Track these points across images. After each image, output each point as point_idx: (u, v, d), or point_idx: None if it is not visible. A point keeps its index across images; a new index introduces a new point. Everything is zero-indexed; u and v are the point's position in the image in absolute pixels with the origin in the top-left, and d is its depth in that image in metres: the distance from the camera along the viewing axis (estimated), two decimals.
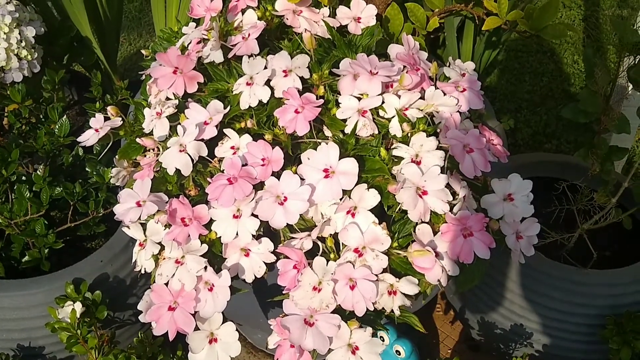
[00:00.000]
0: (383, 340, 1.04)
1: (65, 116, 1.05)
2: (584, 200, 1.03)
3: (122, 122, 0.87)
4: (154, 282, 0.72)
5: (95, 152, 1.14)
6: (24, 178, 1.06)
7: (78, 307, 0.89)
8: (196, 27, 0.88)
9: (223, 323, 0.72)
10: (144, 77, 0.95)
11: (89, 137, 0.86)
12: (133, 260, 0.75)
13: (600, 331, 1.03)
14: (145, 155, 0.83)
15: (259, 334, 1.20)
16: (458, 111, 0.79)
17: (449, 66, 0.87)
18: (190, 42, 0.87)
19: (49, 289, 0.99)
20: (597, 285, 1.04)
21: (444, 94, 0.79)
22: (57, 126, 1.04)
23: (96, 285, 1.00)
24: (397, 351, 1.02)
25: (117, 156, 0.84)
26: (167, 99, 0.84)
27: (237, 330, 0.72)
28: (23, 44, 1.12)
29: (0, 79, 1.11)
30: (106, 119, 0.87)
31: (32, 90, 1.14)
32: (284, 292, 0.70)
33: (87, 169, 1.11)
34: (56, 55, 1.28)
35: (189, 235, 0.70)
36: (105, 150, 0.95)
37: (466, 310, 1.19)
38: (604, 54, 2.23)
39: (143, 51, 1.03)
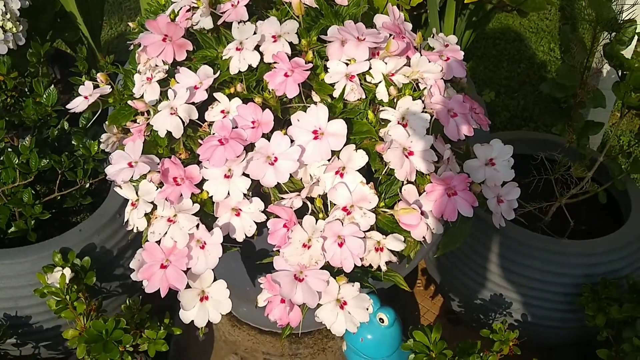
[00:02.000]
0: (367, 309, 1.06)
1: (52, 86, 1.05)
2: (562, 170, 1.06)
3: (111, 89, 0.88)
4: (146, 241, 0.74)
5: (81, 125, 1.14)
6: (9, 150, 1.06)
7: (67, 272, 0.90)
8: None
9: (214, 281, 0.73)
10: (132, 47, 0.96)
11: (78, 104, 0.87)
12: (125, 220, 0.76)
13: (577, 299, 1.06)
14: (135, 122, 0.84)
15: (244, 307, 1.21)
16: (442, 78, 0.82)
17: (432, 37, 0.90)
18: (179, 10, 0.88)
19: (36, 258, 1.00)
20: (573, 254, 1.08)
21: (429, 61, 0.81)
22: (44, 96, 1.04)
23: (83, 255, 1.01)
24: (380, 319, 1.04)
25: (106, 122, 0.85)
26: (156, 66, 0.85)
27: (227, 288, 0.73)
28: (8, 16, 1.12)
29: None
30: (95, 87, 0.88)
31: (17, 63, 1.14)
32: (274, 249, 0.72)
33: (73, 142, 1.12)
34: (40, 30, 1.28)
35: (181, 195, 0.72)
36: (93, 120, 0.96)
37: (447, 282, 1.22)
38: (580, 31, 2.28)
39: (130, 23, 1.03)
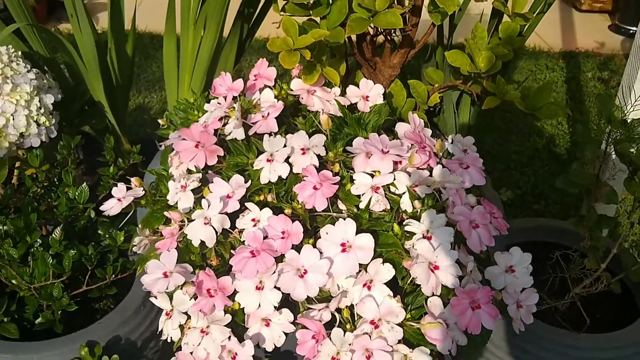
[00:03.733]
0: None
1: (84, 183, 1.09)
2: (577, 268, 1.08)
3: (144, 192, 0.92)
4: (178, 349, 0.76)
5: (108, 216, 1.17)
6: (39, 240, 1.09)
7: None
8: (218, 104, 0.93)
9: None
10: (163, 146, 1.00)
11: (112, 206, 0.91)
12: (159, 329, 0.79)
13: None
14: (167, 225, 0.87)
15: None
16: (462, 187, 0.85)
17: (451, 142, 0.94)
18: (210, 119, 0.92)
19: (63, 352, 1.01)
20: (590, 349, 1.09)
21: (449, 172, 0.85)
22: (76, 192, 1.08)
23: (108, 348, 1.03)
24: None
25: (139, 226, 0.88)
26: (189, 170, 0.89)
27: None
28: (42, 110, 1.17)
29: (19, 144, 1.16)
30: (127, 188, 0.92)
31: (47, 154, 1.18)
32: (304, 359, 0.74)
33: (99, 232, 1.15)
34: (69, 119, 1.33)
35: (214, 306, 0.74)
36: (127, 219, 1.00)
37: None
38: (586, 117, 2.34)
39: (160, 120, 1.08)
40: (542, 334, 1.10)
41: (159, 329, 0.79)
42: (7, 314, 1.07)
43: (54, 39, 1.29)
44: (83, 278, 1.11)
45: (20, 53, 1.21)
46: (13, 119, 1.14)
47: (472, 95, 1.08)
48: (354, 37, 1.10)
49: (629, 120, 1.11)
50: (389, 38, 1.07)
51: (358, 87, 0.98)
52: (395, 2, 0.96)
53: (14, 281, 1.06)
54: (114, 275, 1.07)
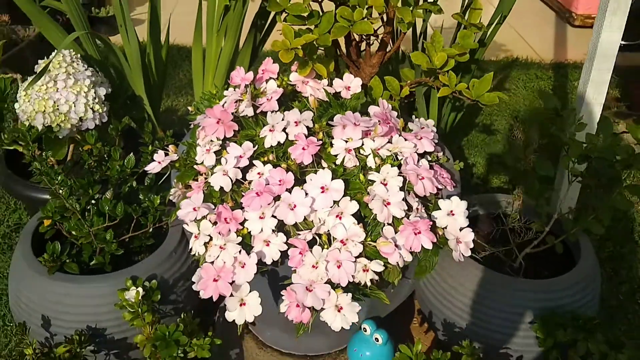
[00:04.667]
0: (366, 331, 1.34)
1: (131, 153, 1.40)
2: (514, 222, 1.36)
3: (178, 157, 1.22)
4: (203, 263, 1.05)
5: (147, 184, 1.48)
6: (93, 201, 1.40)
7: (140, 290, 1.21)
8: (234, 91, 1.23)
9: (250, 292, 1.04)
10: (192, 126, 1.30)
11: (154, 167, 1.21)
12: (189, 247, 1.08)
13: (532, 326, 1.33)
14: (195, 180, 1.17)
15: (268, 332, 1.50)
16: (416, 152, 1.14)
17: (412, 122, 1.23)
18: (228, 101, 1.22)
19: (112, 283, 1.31)
20: (530, 291, 1.36)
21: (405, 140, 1.14)
22: (125, 160, 1.39)
23: (146, 282, 1.32)
24: (376, 338, 1.32)
25: (174, 180, 1.18)
26: (211, 141, 1.19)
27: (258, 297, 1.04)
28: (96, 100, 1.48)
29: (78, 126, 1.47)
30: (165, 154, 1.22)
31: (99, 136, 1.49)
32: (292, 269, 1.02)
33: (140, 197, 1.45)
34: (114, 111, 1.64)
35: (230, 230, 1.04)
36: (162, 180, 1.30)
37: (433, 315, 1.51)
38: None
39: (189, 107, 1.38)
40: (492, 279, 1.38)
41: (189, 247, 1.08)
42: (69, 257, 1.37)
43: (105, 44, 1.61)
44: (127, 234, 1.41)
45: (79, 55, 1.53)
46: (74, 106, 1.45)
47: (435, 88, 1.36)
48: (342, 43, 1.40)
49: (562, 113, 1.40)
50: (369, 43, 1.36)
51: (342, 79, 1.27)
52: (371, 15, 1.25)
53: (73, 232, 1.37)
54: (153, 225, 1.37)
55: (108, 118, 1.54)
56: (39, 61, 1.51)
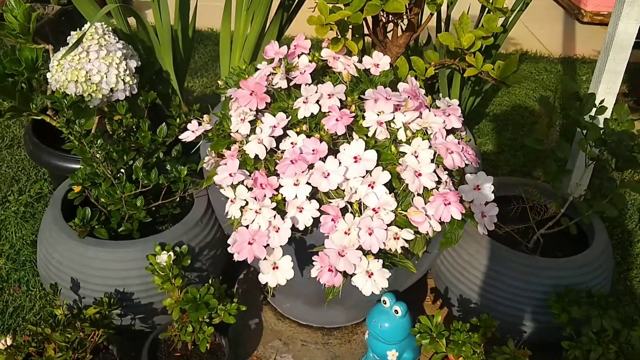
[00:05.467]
0: (385, 303, 1.38)
1: (164, 123, 1.43)
2: (534, 200, 1.40)
3: (210, 127, 1.25)
4: (237, 226, 1.09)
5: (173, 155, 1.51)
6: (122, 170, 1.43)
7: (171, 254, 1.25)
8: (267, 64, 1.26)
9: (282, 256, 1.08)
10: (223, 98, 1.33)
11: (188, 136, 1.24)
12: (225, 212, 1.12)
13: (546, 302, 1.38)
14: (228, 149, 1.20)
15: (287, 303, 1.55)
16: (444, 127, 1.18)
17: (439, 100, 1.26)
18: (261, 74, 1.25)
19: (141, 248, 1.35)
20: (545, 269, 1.40)
21: (435, 115, 1.17)
22: (158, 129, 1.42)
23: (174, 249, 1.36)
24: (395, 310, 1.36)
25: (209, 148, 1.22)
26: (245, 112, 1.23)
27: (291, 260, 1.07)
28: (127, 72, 1.51)
29: (109, 97, 1.50)
30: (198, 124, 1.26)
31: (130, 107, 1.52)
32: (325, 235, 1.06)
33: (167, 167, 1.49)
34: (141, 84, 1.67)
35: (265, 195, 1.07)
36: (194, 150, 1.33)
37: (449, 291, 1.55)
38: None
39: (219, 81, 1.41)
40: (510, 256, 1.42)
41: (225, 211, 1.12)
42: (98, 223, 1.40)
43: (136, 19, 1.64)
44: (154, 201, 1.45)
45: (110, 28, 1.56)
46: (106, 77, 1.48)
47: (459, 70, 1.40)
48: (370, 23, 1.44)
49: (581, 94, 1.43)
50: (396, 23, 1.40)
51: (371, 57, 1.31)
52: None
53: (102, 199, 1.40)
54: (182, 192, 1.40)
55: (137, 90, 1.57)
56: (72, 32, 1.54)
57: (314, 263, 1.07)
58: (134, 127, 1.53)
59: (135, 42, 1.69)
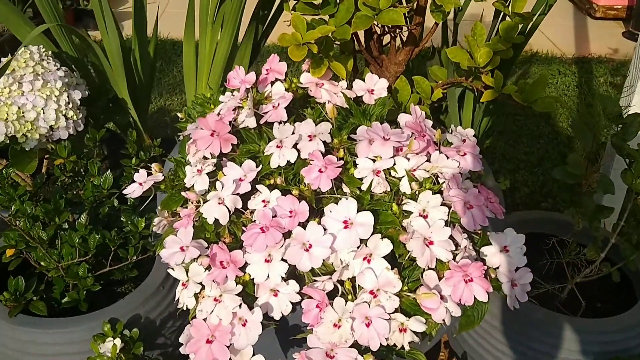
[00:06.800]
0: None
1: (109, 171, 1.17)
2: (572, 254, 1.13)
3: (163, 177, 0.99)
4: (193, 318, 0.83)
5: (130, 204, 1.25)
6: (66, 226, 1.17)
7: (118, 342, 0.99)
8: (232, 95, 1.00)
9: (253, 356, 0.81)
10: (181, 137, 1.07)
11: (134, 190, 0.98)
12: (176, 299, 0.85)
13: None
14: (184, 207, 0.94)
15: None
16: (460, 172, 0.91)
17: (451, 133, 1.00)
18: (224, 109, 0.99)
19: (87, 327, 1.09)
20: (587, 332, 1.14)
21: (447, 157, 0.91)
22: (101, 179, 1.16)
23: (129, 326, 1.10)
24: None
25: (159, 207, 0.96)
26: (204, 157, 0.96)
27: None
28: (70, 105, 1.25)
29: (49, 136, 1.24)
30: (148, 174, 0.99)
31: (74, 146, 1.26)
32: (308, 328, 0.80)
33: (122, 219, 1.22)
34: (94, 115, 1.41)
35: (227, 277, 0.81)
36: (147, 202, 1.07)
37: (468, 356, 1.28)
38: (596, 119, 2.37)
39: (179, 114, 1.15)
40: (543, 318, 1.15)
41: (176, 298, 0.86)
42: (36, 294, 1.14)
43: (81, 40, 1.38)
44: (106, 262, 1.19)
45: (50, 52, 1.29)
46: (44, 113, 1.22)
47: (474, 90, 1.14)
48: (361, 36, 1.17)
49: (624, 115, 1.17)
50: (394, 36, 1.13)
51: (364, 81, 1.05)
52: (399, 1, 1.02)
53: (42, 263, 1.14)
54: (135, 257, 1.14)
55: (85, 125, 1.31)
56: (1, 59, 1.28)
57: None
58: (82, 170, 1.27)
59: (85, 67, 1.43)
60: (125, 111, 1.46)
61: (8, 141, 1.20)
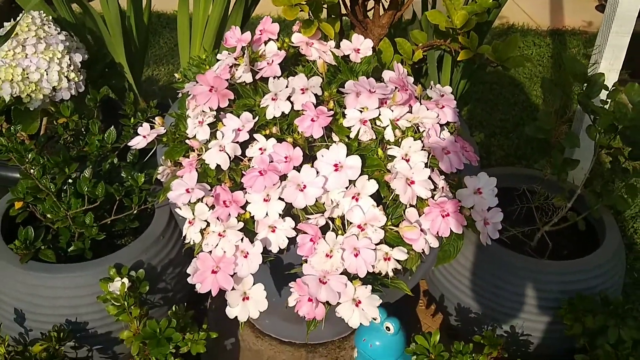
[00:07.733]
0: (376, 319, 1.22)
1: (112, 126, 1.24)
2: (541, 199, 1.24)
3: (165, 130, 1.07)
4: (199, 252, 0.91)
5: (129, 160, 1.33)
6: (70, 181, 1.25)
7: (126, 281, 1.07)
8: (229, 54, 1.08)
9: (254, 284, 0.91)
10: (180, 94, 1.15)
11: (138, 142, 1.06)
12: (183, 235, 0.94)
13: (556, 311, 1.23)
14: (186, 157, 1.02)
15: (267, 319, 1.38)
16: (438, 123, 1.00)
17: (430, 89, 1.09)
18: (222, 66, 1.07)
19: (93, 272, 1.17)
20: (552, 273, 1.25)
21: (427, 109, 1.00)
22: (105, 134, 1.23)
23: (133, 270, 1.18)
24: (387, 327, 1.20)
25: (162, 157, 1.04)
26: (203, 112, 1.04)
27: (264, 289, 0.91)
28: (72, 67, 1.32)
29: (52, 97, 1.31)
30: (151, 127, 1.07)
31: (76, 107, 1.33)
32: (302, 259, 0.89)
33: (122, 175, 1.30)
34: (93, 78, 1.48)
35: (229, 214, 0.90)
36: (148, 157, 1.15)
37: (445, 299, 1.39)
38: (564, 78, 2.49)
39: (176, 74, 1.22)
40: (512, 260, 1.26)
41: (183, 235, 0.94)
42: (44, 243, 1.22)
43: (81, 6, 1.44)
44: (108, 215, 1.27)
45: (50, 17, 1.36)
46: (47, 74, 1.29)
47: (451, 52, 1.22)
48: (347, 1, 1.25)
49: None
50: (378, 0, 1.22)
51: (350, 41, 1.13)
52: None
53: (49, 215, 1.22)
54: (137, 207, 1.22)
55: (85, 87, 1.38)
56: (5, 24, 1.34)
57: (291, 290, 0.91)
58: (82, 129, 1.34)
59: (83, 33, 1.49)
60: (122, 75, 1.53)
61: (13, 101, 1.26)
